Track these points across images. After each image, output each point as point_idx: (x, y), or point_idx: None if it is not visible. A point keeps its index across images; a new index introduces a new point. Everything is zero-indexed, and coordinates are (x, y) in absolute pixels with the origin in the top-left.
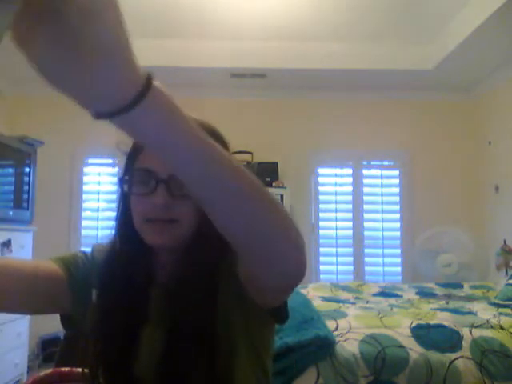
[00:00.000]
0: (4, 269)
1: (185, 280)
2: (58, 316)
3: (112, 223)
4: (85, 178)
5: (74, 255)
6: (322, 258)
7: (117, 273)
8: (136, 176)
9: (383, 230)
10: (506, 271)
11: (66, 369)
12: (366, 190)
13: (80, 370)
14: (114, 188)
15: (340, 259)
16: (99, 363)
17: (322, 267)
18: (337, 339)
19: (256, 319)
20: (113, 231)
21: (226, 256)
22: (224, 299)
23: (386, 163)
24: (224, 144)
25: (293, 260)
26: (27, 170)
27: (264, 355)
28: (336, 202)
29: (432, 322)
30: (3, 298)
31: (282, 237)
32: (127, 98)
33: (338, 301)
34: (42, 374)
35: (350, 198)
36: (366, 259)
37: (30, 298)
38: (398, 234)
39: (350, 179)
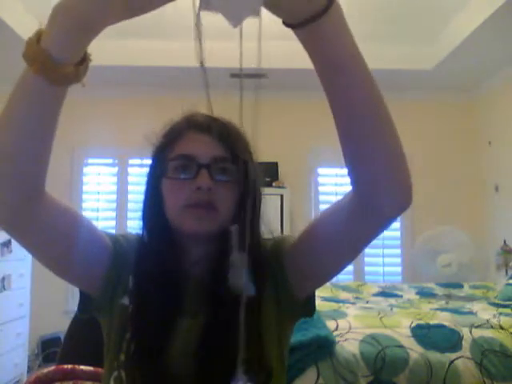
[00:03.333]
0: (68, 210)
1: (220, 272)
2: (57, 316)
3: (138, 215)
4: (85, 178)
5: (117, 234)
6: None
7: (149, 268)
8: (176, 162)
9: None
10: (506, 271)
11: (69, 366)
12: None
13: (82, 367)
14: (114, 188)
15: None
16: (131, 357)
17: None
18: (337, 339)
19: (288, 312)
20: (140, 223)
21: (260, 247)
22: (261, 291)
23: None
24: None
25: (407, 174)
26: None
27: (285, 349)
28: None
29: (432, 322)
30: (56, 234)
31: (401, 148)
32: (316, 10)
33: (337, 301)
34: (45, 371)
35: None
36: (366, 259)
37: (76, 247)
38: (398, 234)
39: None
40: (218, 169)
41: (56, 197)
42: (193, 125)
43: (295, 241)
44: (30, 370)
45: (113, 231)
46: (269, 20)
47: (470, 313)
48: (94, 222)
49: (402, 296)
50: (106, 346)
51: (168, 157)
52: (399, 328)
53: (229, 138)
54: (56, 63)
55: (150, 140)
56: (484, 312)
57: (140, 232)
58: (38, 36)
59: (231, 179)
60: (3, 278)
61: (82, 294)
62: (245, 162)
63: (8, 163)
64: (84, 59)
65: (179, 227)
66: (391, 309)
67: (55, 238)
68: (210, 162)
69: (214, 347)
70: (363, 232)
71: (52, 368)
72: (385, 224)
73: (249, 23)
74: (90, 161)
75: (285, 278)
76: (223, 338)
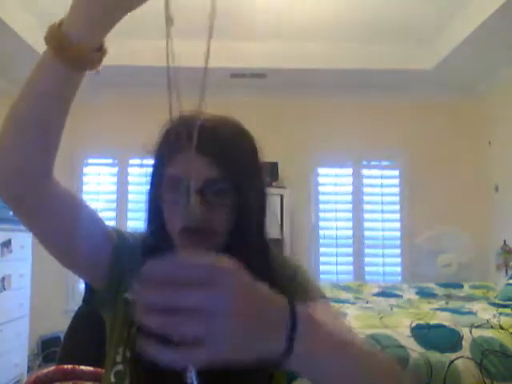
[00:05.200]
0: (75, 198)
1: None
2: (57, 316)
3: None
4: (85, 178)
5: (123, 229)
6: (322, 258)
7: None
8: (169, 182)
9: (383, 229)
10: (506, 271)
11: (69, 366)
12: (366, 190)
13: (82, 367)
14: (114, 188)
15: (340, 259)
16: (136, 352)
17: (322, 267)
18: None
19: None
20: (144, 226)
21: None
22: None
23: (385, 163)
24: (254, 148)
25: None
26: None
27: None
28: (336, 202)
29: (432, 322)
30: (60, 221)
31: None
32: (282, 339)
33: (338, 301)
34: (44, 371)
35: (349, 198)
36: (366, 259)
37: (80, 233)
38: (398, 234)
39: (350, 179)
40: (212, 192)
41: (63, 184)
42: (189, 143)
43: None
44: (29, 369)
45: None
46: (269, 20)
47: (470, 313)
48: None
49: (402, 296)
50: (109, 340)
51: (164, 173)
52: (399, 328)
53: (226, 155)
54: (72, 43)
55: (149, 143)
56: (484, 312)
57: (143, 234)
58: (61, 22)
59: (227, 202)
60: (3, 278)
61: (87, 286)
62: (243, 180)
63: (19, 151)
64: (100, 49)
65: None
66: (391, 309)
67: (61, 222)
68: (203, 185)
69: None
70: None
71: (52, 368)
72: None
73: (249, 23)
74: (90, 161)
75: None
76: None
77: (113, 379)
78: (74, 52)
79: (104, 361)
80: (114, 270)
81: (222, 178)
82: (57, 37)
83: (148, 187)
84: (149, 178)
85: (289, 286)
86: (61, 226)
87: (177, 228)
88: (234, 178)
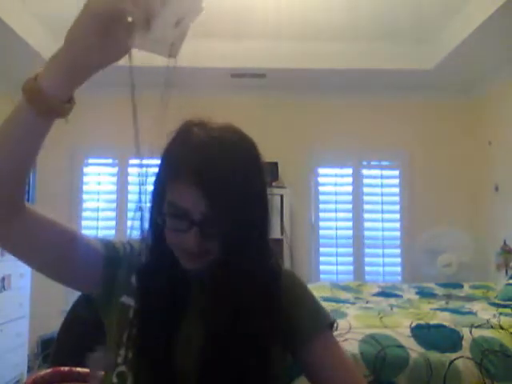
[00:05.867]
0: (53, 223)
1: (221, 278)
2: (57, 316)
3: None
4: (85, 178)
5: (112, 239)
6: (322, 258)
7: (154, 271)
8: (170, 208)
9: (383, 229)
10: (506, 271)
11: (66, 368)
12: (366, 190)
13: (79, 369)
14: (114, 188)
15: (340, 259)
16: (137, 354)
17: (321, 267)
18: (337, 339)
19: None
20: (146, 230)
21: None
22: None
23: (385, 163)
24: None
25: None
26: None
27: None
28: (336, 202)
29: (432, 322)
30: (42, 246)
31: None
32: None
33: (337, 301)
34: (42, 373)
35: (349, 198)
36: (366, 259)
37: (67, 256)
38: (398, 234)
39: (350, 179)
40: (211, 223)
41: (40, 211)
42: (188, 171)
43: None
44: (29, 370)
45: (113, 231)
46: (269, 20)
47: (470, 313)
48: (86, 231)
49: (402, 296)
50: (108, 343)
51: (168, 199)
52: (399, 328)
53: (224, 191)
54: (44, 96)
55: (152, 144)
56: (484, 312)
57: (144, 240)
58: (37, 75)
59: (224, 232)
60: (3, 278)
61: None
62: (241, 212)
63: None
64: (69, 101)
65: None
66: (391, 309)
67: (41, 248)
68: (203, 218)
69: (217, 345)
70: None
71: (49, 370)
72: None
73: (249, 23)
74: (90, 161)
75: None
76: (226, 337)
77: (115, 380)
78: (45, 103)
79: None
80: (105, 281)
81: (219, 213)
82: (31, 89)
83: (152, 192)
84: (152, 186)
85: (296, 312)
86: (41, 251)
87: (175, 244)
88: (233, 213)
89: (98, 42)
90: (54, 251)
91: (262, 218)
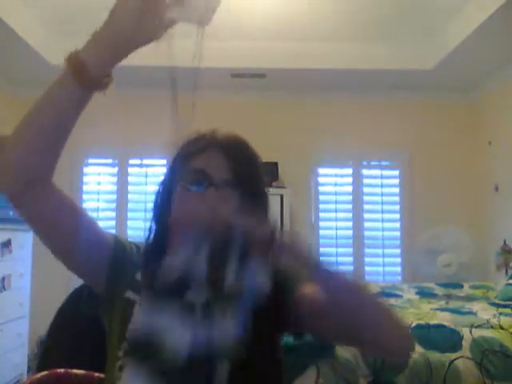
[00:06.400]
0: (72, 202)
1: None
2: None
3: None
4: (85, 178)
5: (121, 237)
6: (321, 258)
7: (155, 265)
8: (191, 175)
9: (383, 229)
10: (506, 271)
11: (62, 370)
12: (366, 190)
13: (75, 371)
14: (114, 188)
15: (340, 259)
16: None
17: None
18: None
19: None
20: (149, 229)
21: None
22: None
23: (385, 163)
24: (256, 160)
25: (402, 350)
26: None
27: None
28: (336, 202)
29: (432, 322)
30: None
31: (394, 339)
32: None
33: None
34: (38, 375)
35: (349, 198)
36: (366, 259)
37: (78, 234)
38: (398, 234)
39: (350, 179)
40: (228, 189)
41: (63, 190)
42: (214, 144)
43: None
44: (29, 370)
45: (113, 231)
46: (269, 20)
47: (470, 313)
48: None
49: (402, 296)
50: (108, 337)
51: (187, 166)
52: None
53: (243, 164)
54: (87, 69)
55: (151, 141)
56: (484, 312)
57: (145, 233)
58: (77, 51)
59: (237, 203)
60: (3, 278)
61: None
62: (254, 187)
63: (28, 152)
64: (109, 75)
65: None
66: None
67: (60, 221)
68: (222, 181)
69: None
70: None
71: (45, 372)
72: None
73: (249, 23)
74: (90, 161)
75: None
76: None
77: (117, 373)
78: (87, 75)
79: (85, 362)
80: (112, 271)
81: (238, 182)
82: (75, 61)
83: (163, 180)
84: (166, 172)
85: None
86: (60, 224)
87: (188, 215)
88: (248, 184)
89: (138, 16)
90: (68, 226)
91: (266, 208)
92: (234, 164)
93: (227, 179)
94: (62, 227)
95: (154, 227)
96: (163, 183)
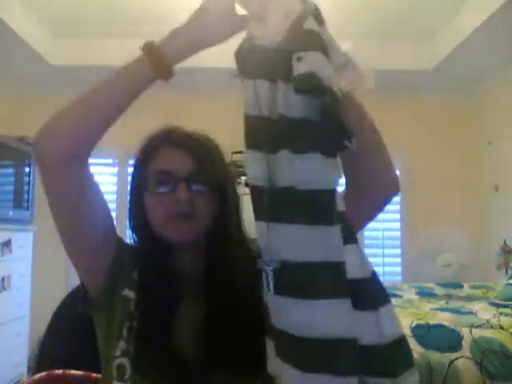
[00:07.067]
0: (98, 191)
1: (213, 268)
2: None
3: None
4: None
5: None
6: None
7: (149, 267)
8: (155, 177)
9: (383, 229)
10: (506, 271)
11: (60, 371)
12: None
13: (73, 372)
14: (115, 188)
15: None
16: (138, 345)
17: None
18: None
19: None
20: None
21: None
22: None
23: None
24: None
25: (394, 173)
26: (27, 169)
27: None
28: None
29: (432, 322)
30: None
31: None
32: None
33: None
34: (36, 376)
35: None
36: None
37: (96, 225)
38: (398, 234)
39: None
40: (195, 181)
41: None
42: (169, 141)
43: None
44: (29, 370)
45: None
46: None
47: (470, 313)
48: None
49: (402, 296)
50: (104, 337)
51: (147, 172)
52: None
53: (204, 153)
54: (164, 58)
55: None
56: (484, 312)
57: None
58: (152, 42)
59: (208, 189)
60: (3, 278)
61: (83, 290)
62: (220, 173)
63: (81, 126)
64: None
65: (164, 236)
66: None
67: (83, 200)
68: (188, 175)
69: (216, 331)
70: (362, 213)
71: (43, 374)
72: (381, 205)
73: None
74: (90, 161)
75: None
76: (223, 321)
77: (114, 373)
78: (164, 64)
79: (83, 363)
80: (115, 265)
81: (203, 170)
82: (156, 53)
83: (130, 191)
84: (130, 182)
85: None
86: (84, 203)
87: (162, 215)
88: (212, 170)
89: (229, 18)
90: (94, 211)
91: (236, 197)
92: (191, 154)
93: (189, 170)
94: (85, 206)
95: (135, 236)
96: (131, 193)
